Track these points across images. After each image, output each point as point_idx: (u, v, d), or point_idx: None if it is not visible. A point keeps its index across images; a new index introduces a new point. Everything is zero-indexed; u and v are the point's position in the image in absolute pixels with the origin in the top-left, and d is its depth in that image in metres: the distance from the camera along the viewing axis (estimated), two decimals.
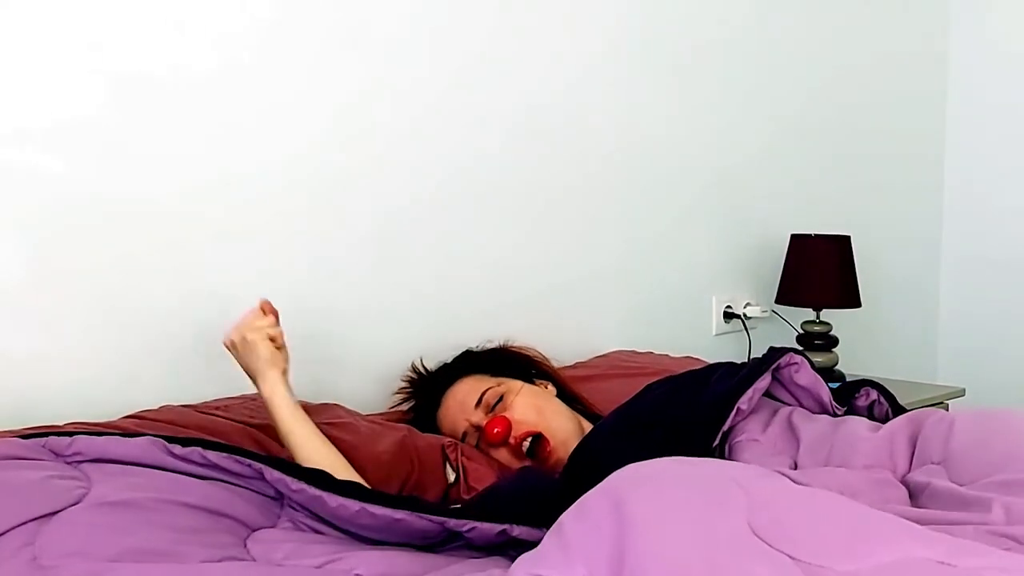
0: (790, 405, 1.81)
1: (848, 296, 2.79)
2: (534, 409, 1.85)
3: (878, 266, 3.17)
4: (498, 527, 1.40)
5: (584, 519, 1.16)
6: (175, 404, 1.79)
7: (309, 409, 1.78)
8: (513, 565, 1.16)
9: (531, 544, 1.28)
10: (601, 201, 2.56)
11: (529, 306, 2.38)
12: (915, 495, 1.50)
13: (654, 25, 2.65)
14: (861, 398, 1.85)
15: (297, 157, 2.02)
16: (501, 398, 1.87)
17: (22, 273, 1.72)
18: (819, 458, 1.63)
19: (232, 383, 1.75)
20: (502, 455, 1.84)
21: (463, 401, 1.90)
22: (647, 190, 2.66)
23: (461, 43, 2.25)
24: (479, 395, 1.88)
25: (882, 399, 1.85)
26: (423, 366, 2.06)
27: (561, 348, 2.33)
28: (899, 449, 1.61)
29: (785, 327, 2.88)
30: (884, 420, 1.77)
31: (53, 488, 1.36)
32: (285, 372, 1.70)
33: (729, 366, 1.88)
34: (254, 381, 1.70)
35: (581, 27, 2.48)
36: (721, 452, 1.69)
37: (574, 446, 1.74)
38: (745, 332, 2.85)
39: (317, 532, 1.43)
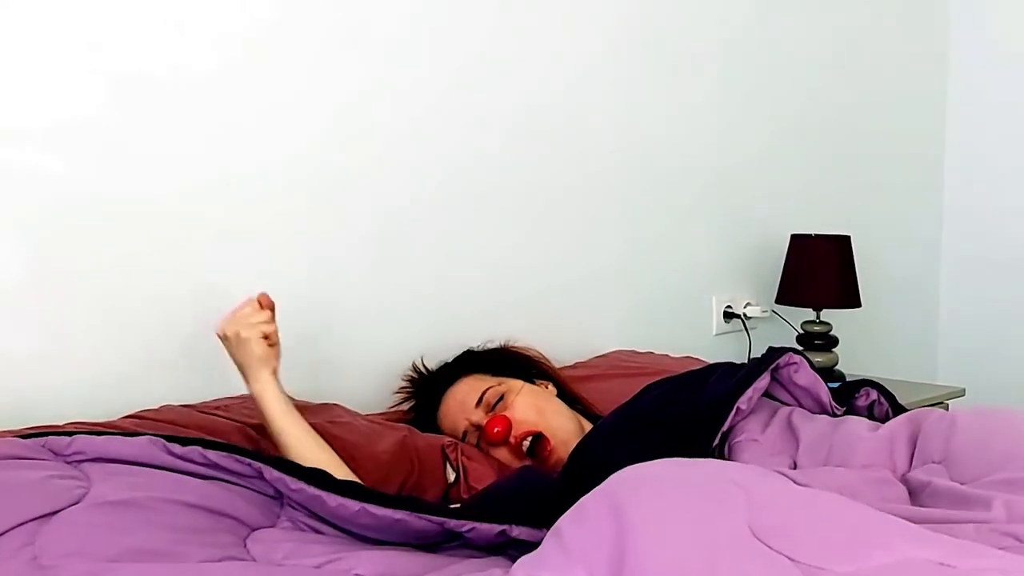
0: (789, 405, 1.81)
1: (848, 296, 2.78)
2: (534, 409, 1.85)
3: (878, 266, 3.17)
4: (497, 527, 1.40)
5: (584, 521, 1.16)
6: (175, 404, 1.79)
7: (309, 409, 1.78)
8: (513, 567, 1.16)
9: (531, 544, 1.28)
10: (601, 201, 2.56)
11: (529, 306, 2.38)
12: (916, 494, 1.50)
13: (654, 25, 2.65)
14: (861, 398, 1.85)
15: (297, 157, 2.02)
16: (501, 397, 1.87)
17: (22, 273, 1.72)
18: (818, 458, 1.63)
19: (232, 383, 1.75)
20: (502, 454, 1.84)
21: (463, 400, 1.90)
22: (647, 190, 2.66)
23: (461, 43, 2.25)
24: (479, 394, 1.88)
25: (882, 399, 1.85)
26: (423, 366, 2.06)
27: (561, 348, 2.33)
28: (899, 448, 1.61)
29: (785, 327, 2.88)
30: (884, 420, 1.76)
31: (53, 488, 1.36)
32: (275, 371, 1.69)
33: (728, 366, 1.87)
34: (244, 377, 1.70)
35: (581, 27, 2.48)
36: (721, 452, 1.69)
37: (574, 446, 1.74)
38: (745, 332, 2.85)
39: (317, 532, 1.43)
